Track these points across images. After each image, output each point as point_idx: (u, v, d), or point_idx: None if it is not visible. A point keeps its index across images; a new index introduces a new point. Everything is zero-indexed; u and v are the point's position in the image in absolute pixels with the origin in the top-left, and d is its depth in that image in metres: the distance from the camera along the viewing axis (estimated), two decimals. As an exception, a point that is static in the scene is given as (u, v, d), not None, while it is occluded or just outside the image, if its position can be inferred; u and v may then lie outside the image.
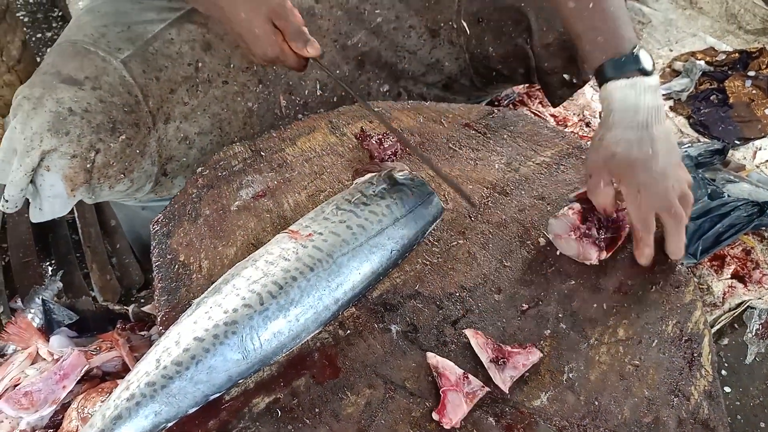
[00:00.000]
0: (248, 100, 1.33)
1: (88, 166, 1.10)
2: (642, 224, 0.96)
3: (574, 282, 0.97)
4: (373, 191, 0.97)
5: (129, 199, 1.33)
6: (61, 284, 1.56)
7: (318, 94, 1.43)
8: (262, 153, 1.19)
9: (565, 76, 1.47)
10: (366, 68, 1.47)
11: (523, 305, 0.94)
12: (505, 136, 1.22)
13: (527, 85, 2.05)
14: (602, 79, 1.01)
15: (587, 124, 2.12)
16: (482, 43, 1.47)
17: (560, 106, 1.87)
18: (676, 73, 2.34)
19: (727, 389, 1.50)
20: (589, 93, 2.28)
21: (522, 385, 0.85)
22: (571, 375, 0.86)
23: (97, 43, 1.15)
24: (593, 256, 0.98)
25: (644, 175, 0.94)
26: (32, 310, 1.39)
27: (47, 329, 1.29)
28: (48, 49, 2.55)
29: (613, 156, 0.96)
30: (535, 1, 1.37)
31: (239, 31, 1.06)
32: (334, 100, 1.45)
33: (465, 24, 1.45)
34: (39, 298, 1.43)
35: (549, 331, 0.91)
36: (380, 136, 1.17)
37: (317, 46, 1.08)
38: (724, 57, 2.34)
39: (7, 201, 1.08)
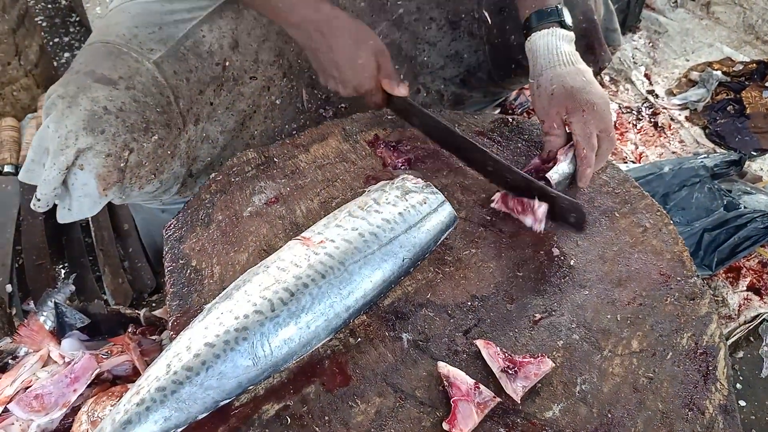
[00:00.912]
0: (272, 94, 1.34)
1: (122, 165, 1.11)
2: (586, 141, 1.04)
3: (587, 292, 0.96)
4: (386, 199, 0.96)
5: (154, 201, 1.33)
6: (73, 287, 1.57)
7: None
8: (275, 159, 1.19)
9: None
10: None
11: (536, 315, 0.93)
12: (519, 144, 1.22)
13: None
14: (528, 31, 1.16)
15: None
16: (504, 32, 1.48)
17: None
18: (693, 84, 2.33)
19: (742, 403, 1.48)
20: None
21: (534, 397, 0.84)
22: (583, 387, 0.85)
23: (129, 44, 1.16)
24: (528, 221, 1.04)
25: (586, 96, 1.06)
26: (44, 313, 1.40)
27: (59, 332, 1.29)
28: (66, 54, 2.59)
29: (552, 94, 1.09)
30: None
31: (338, 59, 1.13)
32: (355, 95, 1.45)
33: (486, 14, 1.46)
34: (51, 301, 1.44)
35: (562, 342, 0.90)
36: (393, 144, 1.17)
37: (407, 86, 1.18)
38: (741, 67, 2.32)
39: (39, 200, 1.09)
